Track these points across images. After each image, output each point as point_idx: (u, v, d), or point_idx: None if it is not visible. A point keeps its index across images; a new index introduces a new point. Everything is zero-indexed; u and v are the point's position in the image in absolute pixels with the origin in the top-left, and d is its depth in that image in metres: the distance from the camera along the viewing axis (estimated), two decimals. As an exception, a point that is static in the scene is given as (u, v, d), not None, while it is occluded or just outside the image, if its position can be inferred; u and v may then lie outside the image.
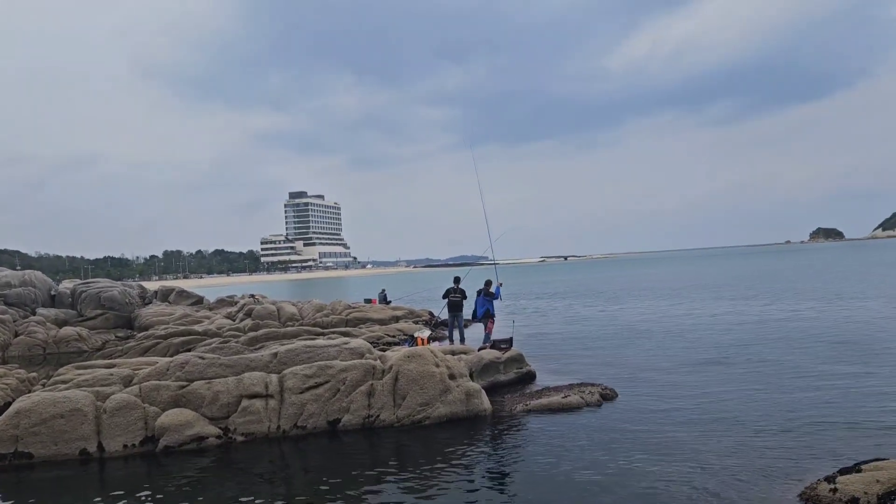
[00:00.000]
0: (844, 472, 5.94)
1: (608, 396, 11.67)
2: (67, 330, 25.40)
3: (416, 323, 24.54)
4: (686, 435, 9.22)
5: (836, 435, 8.80)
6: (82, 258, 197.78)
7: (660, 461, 8.15)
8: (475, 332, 19.59)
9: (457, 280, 18.42)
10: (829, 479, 5.91)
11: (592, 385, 12.24)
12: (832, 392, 11.19)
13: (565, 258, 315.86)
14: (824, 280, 41.70)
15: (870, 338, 16.72)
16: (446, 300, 18.33)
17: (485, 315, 17.16)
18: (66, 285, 33.30)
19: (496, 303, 17.53)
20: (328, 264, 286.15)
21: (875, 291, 30.57)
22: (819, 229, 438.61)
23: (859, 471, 5.77)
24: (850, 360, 13.99)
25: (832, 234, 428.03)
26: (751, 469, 7.65)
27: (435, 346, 16.09)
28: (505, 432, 9.96)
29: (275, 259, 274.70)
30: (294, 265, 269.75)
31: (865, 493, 5.42)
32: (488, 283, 17.38)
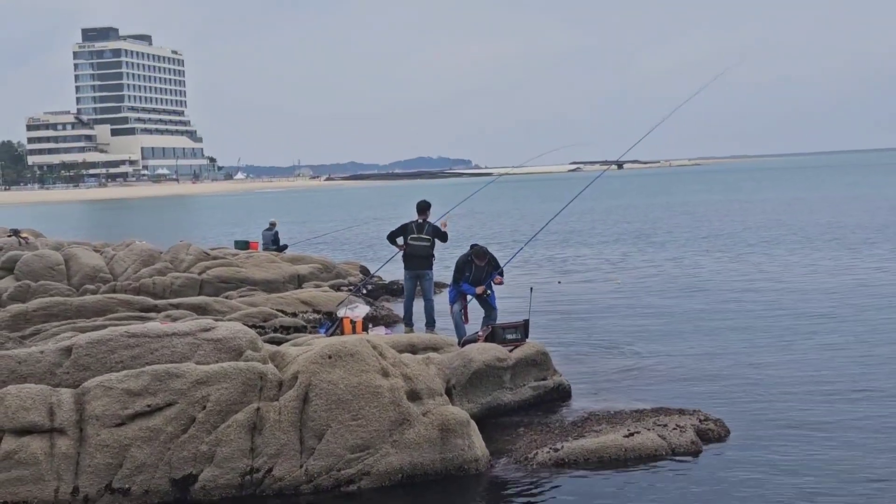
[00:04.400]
0: None
1: (712, 434, 11.76)
2: None
3: (340, 289, 24.39)
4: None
5: None
6: None
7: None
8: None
9: (423, 208, 18.26)
10: None
11: (682, 412, 12.32)
12: None
13: (620, 165, 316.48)
14: None
15: None
16: (401, 246, 18.20)
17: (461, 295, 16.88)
18: None
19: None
20: (161, 171, 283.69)
21: None
22: None
23: None
24: None
25: None
26: None
27: (379, 333, 15.99)
28: None
29: (55, 159, 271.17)
30: (94, 172, 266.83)
31: None
32: (485, 257, 16.55)
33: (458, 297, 16.82)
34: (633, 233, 47.34)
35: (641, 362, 16.27)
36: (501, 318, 16.13)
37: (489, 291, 16.55)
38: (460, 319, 16.85)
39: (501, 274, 16.89)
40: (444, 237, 18.39)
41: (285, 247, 33.85)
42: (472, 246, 17.03)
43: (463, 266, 16.67)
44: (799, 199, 76.83)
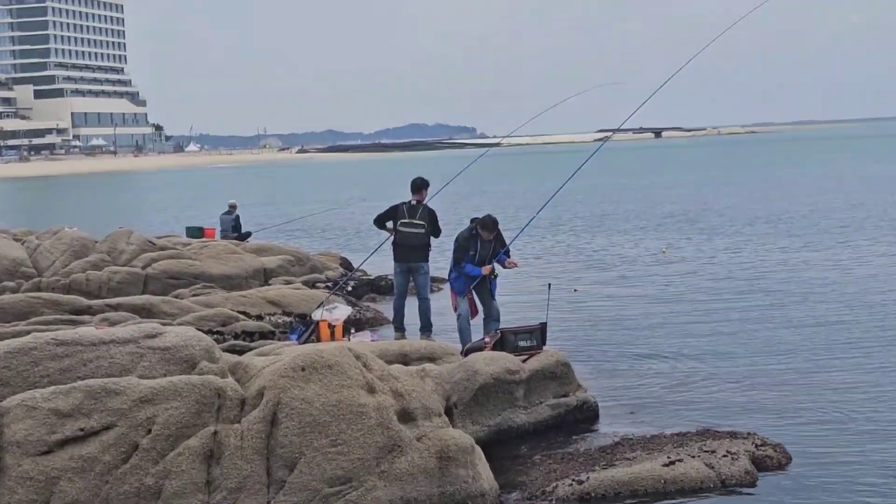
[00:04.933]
0: None
1: (770, 462, 11.81)
2: None
3: (315, 286, 24.43)
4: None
5: None
6: None
7: None
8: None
9: (418, 186, 18.25)
10: None
11: (734, 436, 12.35)
12: None
13: (657, 133, 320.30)
14: None
15: None
16: (391, 231, 18.22)
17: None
18: None
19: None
20: (96, 141, 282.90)
21: None
22: None
23: None
24: None
25: None
26: None
27: (363, 340, 16.03)
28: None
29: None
30: (13, 143, 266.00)
31: None
32: (494, 229, 16.66)
33: (465, 286, 16.69)
34: (678, 216, 47.44)
35: (685, 376, 16.26)
36: (513, 321, 16.11)
37: (496, 273, 16.55)
38: (467, 324, 16.79)
39: (508, 254, 16.83)
40: (438, 230, 18.30)
41: (248, 234, 33.84)
42: (474, 219, 16.92)
43: (467, 242, 16.62)
44: (882, 174, 76.44)
